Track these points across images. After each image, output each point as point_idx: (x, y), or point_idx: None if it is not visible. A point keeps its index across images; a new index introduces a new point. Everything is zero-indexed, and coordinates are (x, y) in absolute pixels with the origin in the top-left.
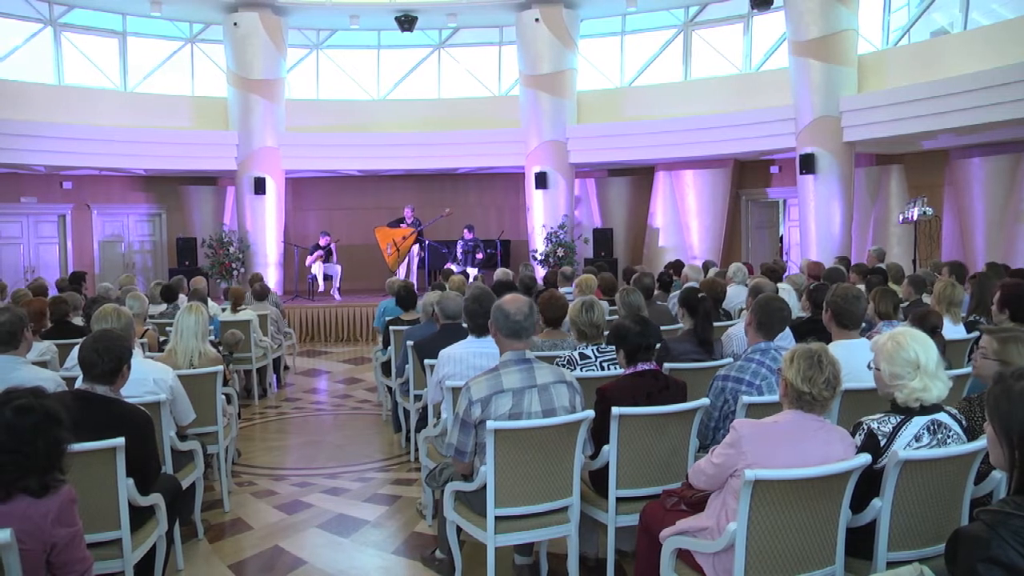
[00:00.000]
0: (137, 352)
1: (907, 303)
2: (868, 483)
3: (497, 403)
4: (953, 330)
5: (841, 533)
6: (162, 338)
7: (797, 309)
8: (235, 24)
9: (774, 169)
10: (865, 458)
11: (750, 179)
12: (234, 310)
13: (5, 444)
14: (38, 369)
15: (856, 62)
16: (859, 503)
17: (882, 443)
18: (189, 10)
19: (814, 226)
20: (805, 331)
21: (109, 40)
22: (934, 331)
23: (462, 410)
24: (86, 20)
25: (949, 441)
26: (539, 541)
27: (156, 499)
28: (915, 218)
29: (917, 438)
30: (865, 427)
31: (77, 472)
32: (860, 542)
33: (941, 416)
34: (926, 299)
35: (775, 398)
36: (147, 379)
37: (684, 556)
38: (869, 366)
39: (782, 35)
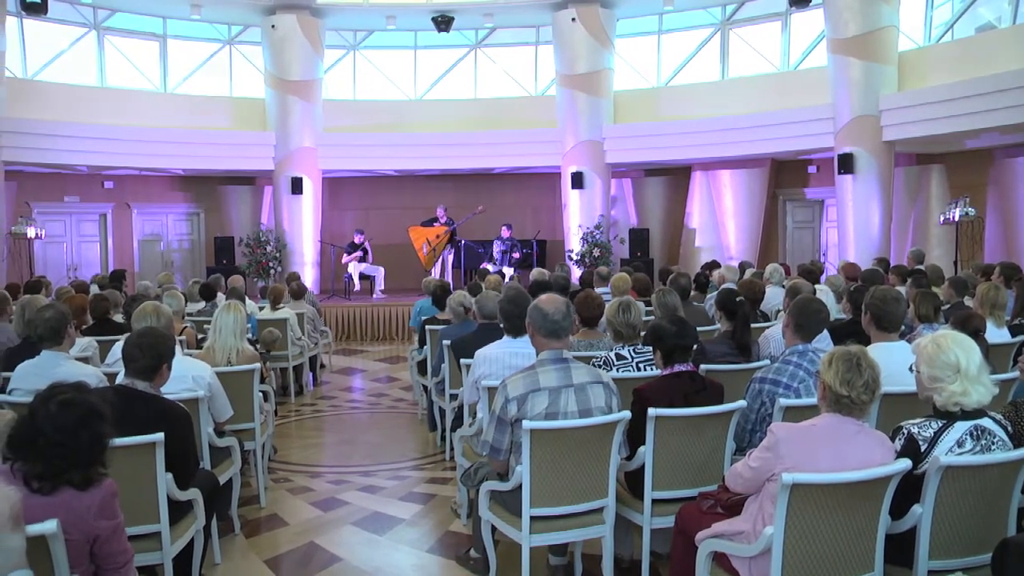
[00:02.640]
0: (176, 349)
1: (948, 306)
2: (908, 489)
3: (533, 401)
4: (997, 333)
5: (880, 539)
6: (200, 336)
7: (835, 311)
8: (273, 26)
9: (812, 169)
10: (905, 463)
11: (787, 179)
12: (274, 308)
13: (50, 437)
14: (81, 365)
15: (896, 60)
16: (899, 509)
17: (923, 448)
18: (228, 13)
19: (852, 227)
20: (844, 334)
21: (150, 43)
22: (977, 334)
23: (498, 408)
24: (128, 24)
25: (993, 447)
26: (574, 542)
27: (194, 494)
28: (957, 219)
29: (960, 444)
30: (905, 431)
31: (118, 466)
32: (900, 549)
33: (985, 421)
34: (968, 302)
35: (813, 401)
36: (186, 376)
37: (720, 559)
38: (911, 368)
39: (820, 33)
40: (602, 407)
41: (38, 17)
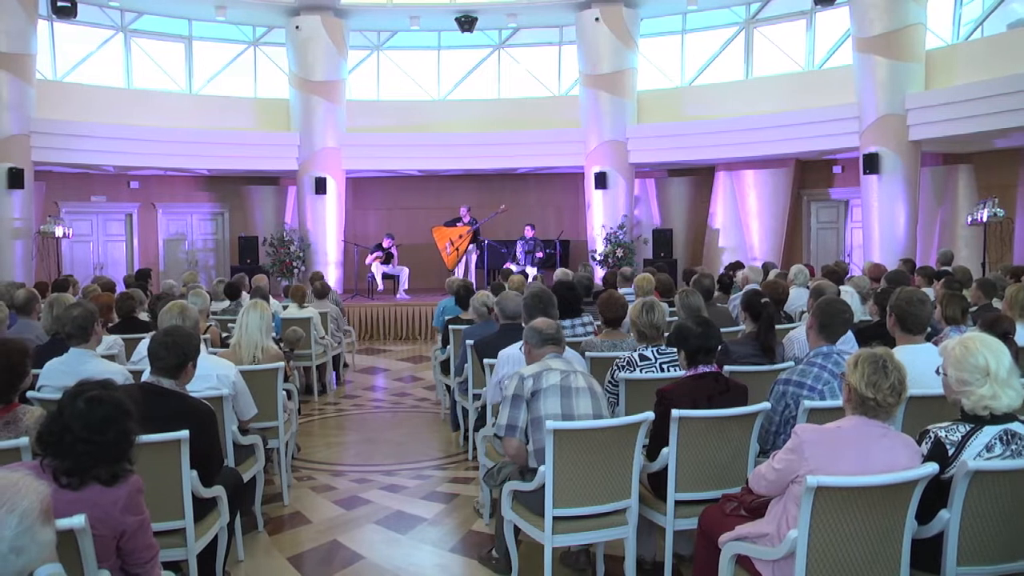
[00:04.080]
0: (201, 348)
1: (975, 308)
2: (936, 493)
3: (548, 376)
4: None
5: (906, 544)
6: (224, 334)
7: (860, 312)
8: (297, 27)
9: (837, 169)
10: (932, 467)
11: (812, 179)
12: (299, 307)
13: (78, 434)
14: (107, 362)
15: (924, 58)
16: (926, 514)
17: (950, 452)
18: (252, 14)
19: (877, 227)
20: (869, 335)
21: (176, 44)
22: (1006, 337)
23: (513, 388)
24: (154, 26)
25: None
26: (596, 543)
27: (218, 491)
28: (985, 219)
29: (988, 448)
30: (932, 435)
31: (143, 463)
32: (927, 555)
33: (1015, 426)
34: (996, 304)
35: (838, 403)
36: (211, 375)
37: (743, 562)
38: (938, 371)
39: (846, 31)
40: (600, 392)
41: (68, 20)
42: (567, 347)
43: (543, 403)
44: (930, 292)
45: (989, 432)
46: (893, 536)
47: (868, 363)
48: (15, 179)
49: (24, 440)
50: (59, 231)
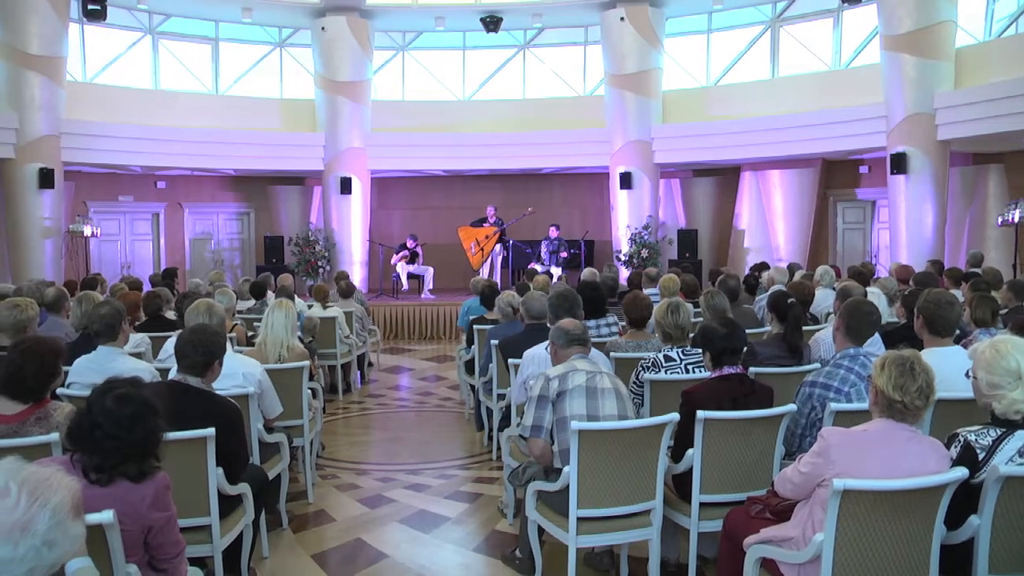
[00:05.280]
0: (227, 346)
1: (1006, 310)
2: (965, 498)
3: (573, 377)
4: None
5: (935, 550)
6: (250, 333)
7: (887, 314)
8: (323, 28)
9: (863, 169)
10: (962, 471)
11: (838, 179)
12: (323, 306)
13: (106, 431)
14: (135, 360)
15: (953, 56)
16: (955, 519)
17: (980, 457)
18: (278, 15)
19: (905, 228)
20: (897, 338)
21: (202, 46)
22: None
23: (539, 388)
24: (181, 28)
25: None
26: (620, 544)
27: (244, 488)
28: (1016, 220)
29: (1021, 453)
30: (962, 439)
31: (170, 460)
32: (957, 561)
33: None
34: None
35: (864, 406)
36: (237, 373)
37: (768, 565)
38: (967, 374)
39: (873, 29)
40: (623, 391)
41: (98, 23)
42: (592, 348)
43: (568, 404)
44: (958, 294)
45: (1021, 436)
46: (921, 541)
47: (895, 365)
48: (45, 179)
49: (55, 436)
50: (88, 230)
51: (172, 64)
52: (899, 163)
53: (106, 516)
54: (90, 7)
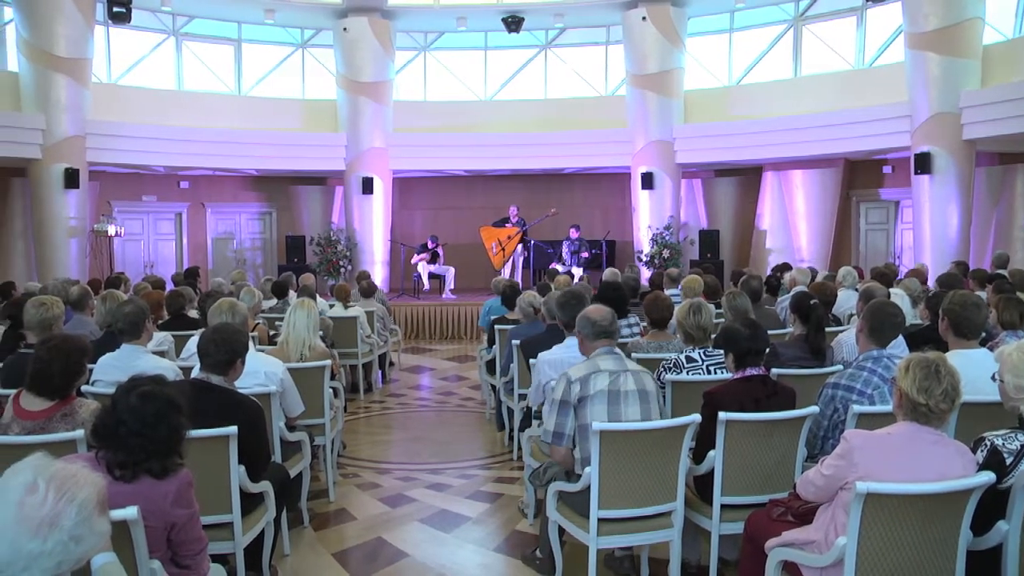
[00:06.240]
0: (249, 345)
1: None
2: (993, 504)
3: (595, 380)
4: None
5: (961, 556)
6: (272, 332)
7: (910, 315)
8: (345, 29)
9: (887, 169)
10: (988, 476)
11: (861, 179)
12: (345, 306)
13: (131, 428)
14: (158, 358)
15: (980, 54)
16: (982, 525)
17: (1008, 461)
18: (300, 16)
19: (929, 229)
20: (921, 340)
21: (225, 47)
22: None
23: (560, 392)
24: (204, 29)
25: None
26: (641, 545)
27: (265, 486)
28: None
29: None
30: (988, 443)
31: (193, 458)
32: (985, 567)
33: None
34: None
35: (888, 408)
36: (259, 372)
37: (790, 568)
38: (994, 377)
39: (898, 27)
40: (651, 391)
41: (123, 25)
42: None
43: (590, 410)
44: (983, 296)
45: None
46: (947, 546)
47: (920, 368)
48: (71, 179)
49: (80, 432)
50: (112, 230)
51: (195, 65)
52: (923, 163)
53: (130, 512)
54: (115, 10)
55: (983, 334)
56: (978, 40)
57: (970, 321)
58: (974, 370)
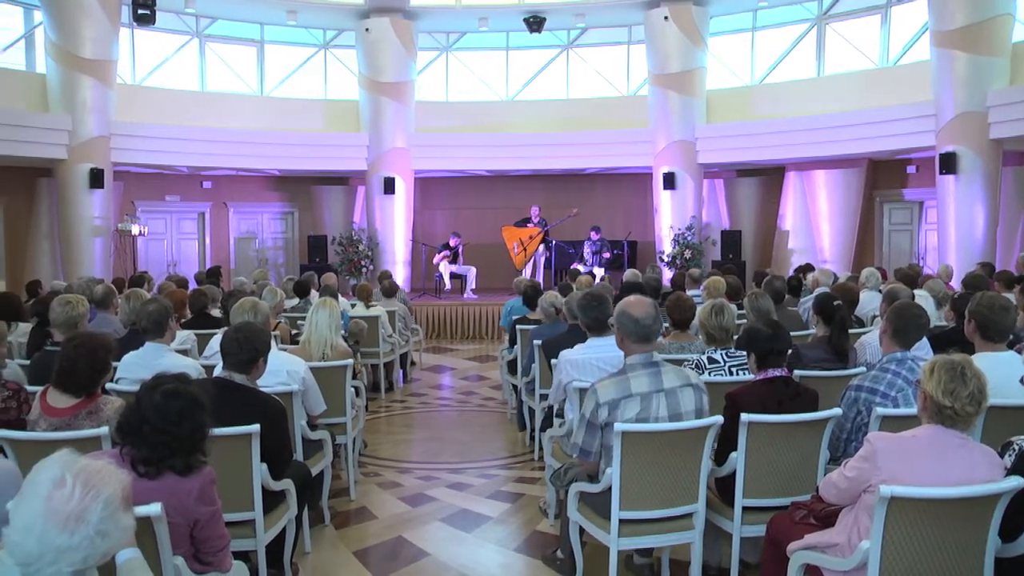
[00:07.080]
0: (272, 344)
1: None
2: (1022, 509)
3: (625, 407)
4: None
5: (988, 562)
6: (293, 331)
7: (935, 317)
8: (367, 30)
9: (911, 169)
10: (1017, 481)
11: (885, 180)
12: (366, 306)
13: (155, 425)
14: (181, 357)
15: (1009, 51)
16: (1011, 531)
17: None
18: (323, 18)
19: (954, 230)
20: (946, 342)
21: (248, 48)
22: None
23: (588, 411)
24: (228, 31)
25: None
26: (661, 547)
27: (287, 484)
28: None
29: None
30: (1016, 447)
31: (216, 455)
32: (1014, 575)
33: None
34: None
35: (912, 411)
36: (281, 370)
37: (812, 572)
38: (1022, 380)
39: (923, 25)
40: (691, 411)
41: (147, 27)
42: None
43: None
44: (1010, 298)
45: None
46: (973, 552)
47: (945, 370)
48: (96, 179)
49: (104, 429)
50: (135, 229)
51: (218, 66)
52: (949, 163)
53: (154, 509)
54: (140, 12)
55: (1011, 337)
56: (1007, 37)
57: (998, 324)
58: (1001, 373)
